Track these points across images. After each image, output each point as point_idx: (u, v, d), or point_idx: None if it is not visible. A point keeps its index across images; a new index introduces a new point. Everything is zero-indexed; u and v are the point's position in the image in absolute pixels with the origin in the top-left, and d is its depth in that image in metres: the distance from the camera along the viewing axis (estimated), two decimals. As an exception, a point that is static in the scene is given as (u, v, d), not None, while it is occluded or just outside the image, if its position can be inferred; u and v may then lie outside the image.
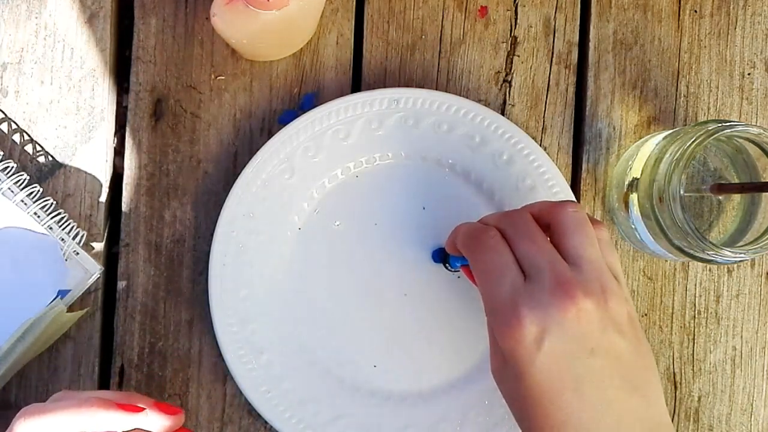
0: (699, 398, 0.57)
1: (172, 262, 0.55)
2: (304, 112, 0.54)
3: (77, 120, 0.55)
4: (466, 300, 0.55)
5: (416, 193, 0.55)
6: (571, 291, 0.43)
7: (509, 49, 0.57)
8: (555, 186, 0.55)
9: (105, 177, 0.55)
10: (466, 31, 0.57)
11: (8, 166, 0.54)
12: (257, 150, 0.54)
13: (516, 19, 0.57)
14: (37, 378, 0.54)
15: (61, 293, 0.53)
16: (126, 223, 0.55)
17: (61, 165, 0.55)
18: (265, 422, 0.54)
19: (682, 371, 0.57)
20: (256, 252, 0.54)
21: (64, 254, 0.53)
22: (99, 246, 0.55)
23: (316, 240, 0.55)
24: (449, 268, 0.55)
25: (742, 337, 0.57)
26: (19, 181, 0.53)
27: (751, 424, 0.57)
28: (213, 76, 0.56)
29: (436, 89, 0.56)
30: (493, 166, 0.55)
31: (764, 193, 0.51)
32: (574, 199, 0.55)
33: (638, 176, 0.52)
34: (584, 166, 0.57)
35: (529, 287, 0.43)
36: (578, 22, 0.58)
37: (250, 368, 0.53)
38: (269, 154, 0.54)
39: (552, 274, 0.43)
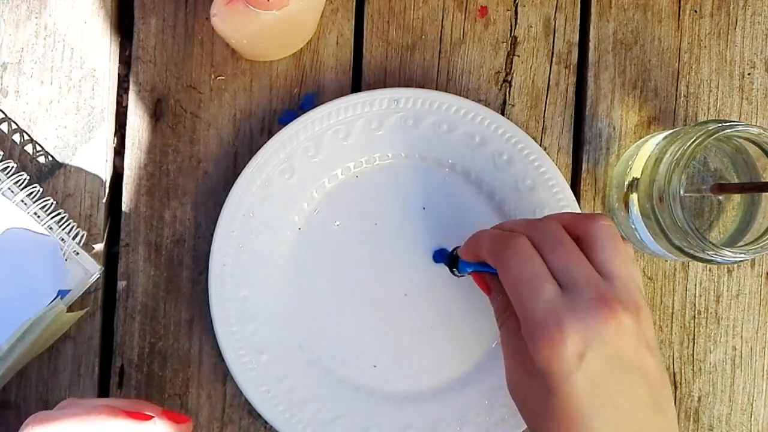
0: (699, 398, 0.57)
1: (172, 262, 0.55)
2: (304, 112, 0.54)
3: (77, 120, 0.55)
4: (466, 300, 0.55)
5: (416, 193, 0.55)
6: (611, 304, 0.41)
7: (509, 49, 0.57)
8: (555, 186, 0.55)
9: (105, 177, 0.55)
10: (466, 31, 0.57)
11: (8, 166, 0.54)
12: (257, 150, 0.54)
13: (516, 19, 0.57)
14: (37, 378, 0.54)
15: (61, 293, 0.53)
16: (126, 223, 0.55)
17: (61, 165, 0.55)
18: (265, 422, 0.54)
19: (682, 371, 0.57)
20: (256, 252, 0.54)
21: (64, 254, 0.53)
22: (99, 246, 0.55)
23: (316, 240, 0.55)
24: (456, 273, 0.54)
25: (742, 337, 0.57)
26: (19, 181, 0.53)
27: (751, 424, 0.57)
28: (213, 76, 0.56)
29: (436, 89, 0.56)
30: (493, 166, 0.55)
31: (764, 193, 0.51)
32: (574, 199, 0.55)
33: (638, 176, 0.52)
34: (584, 166, 0.57)
35: (568, 299, 0.42)
36: (578, 22, 0.58)
37: (250, 368, 0.53)
38: (269, 154, 0.54)
39: (590, 287, 0.42)
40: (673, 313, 0.57)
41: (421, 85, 0.57)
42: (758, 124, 0.56)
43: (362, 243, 0.55)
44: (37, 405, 0.54)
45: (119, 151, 0.56)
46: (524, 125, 0.57)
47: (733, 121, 0.49)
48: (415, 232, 0.55)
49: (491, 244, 0.46)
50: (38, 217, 0.53)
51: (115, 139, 0.56)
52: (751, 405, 0.57)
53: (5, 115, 0.55)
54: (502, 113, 0.57)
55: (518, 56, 0.57)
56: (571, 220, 0.46)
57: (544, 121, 0.57)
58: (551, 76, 0.57)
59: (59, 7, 0.55)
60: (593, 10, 0.58)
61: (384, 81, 0.57)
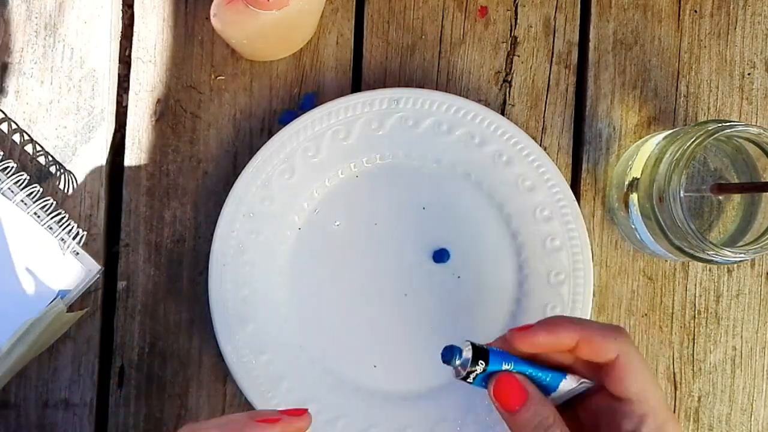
0: (699, 398, 0.57)
1: (172, 262, 0.55)
2: (304, 112, 0.54)
3: (77, 120, 0.55)
4: (466, 300, 0.55)
5: (416, 193, 0.55)
6: None
7: (509, 49, 0.57)
8: (555, 186, 0.55)
9: (105, 177, 0.55)
10: (466, 31, 0.57)
11: (8, 166, 0.54)
12: (257, 150, 0.54)
13: (516, 19, 0.57)
14: (37, 378, 0.54)
15: (61, 293, 0.53)
16: (126, 223, 0.55)
17: (61, 165, 0.55)
18: (265, 422, 0.54)
19: (682, 371, 0.57)
20: (256, 252, 0.54)
21: (64, 254, 0.53)
22: (99, 246, 0.55)
23: (316, 240, 0.55)
24: (465, 375, 0.43)
25: (742, 337, 0.57)
26: (19, 181, 0.53)
27: (751, 424, 0.57)
28: (213, 76, 0.56)
29: (436, 89, 0.56)
30: (493, 166, 0.55)
31: (764, 193, 0.51)
32: (574, 199, 0.55)
33: (638, 176, 0.52)
34: (584, 166, 0.57)
35: None
36: (578, 22, 0.58)
37: (250, 368, 0.53)
38: (269, 154, 0.54)
39: None
40: (673, 313, 0.57)
41: (421, 85, 0.57)
42: (758, 124, 0.56)
43: (362, 243, 0.55)
44: (37, 405, 0.54)
45: (119, 151, 0.56)
46: (524, 125, 0.57)
47: (733, 121, 0.49)
48: (415, 232, 0.55)
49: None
50: (38, 217, 0.53)
51: (116, 139, 0.56)
52: (751, 405, 0.57)
53: (5, 115, 0.55)
54: (502, 113, 0.57)
55: (518, 56, 0.57)
56: (586, 336, 0.42)
57: (544, 121, 0.57)
58: (551, 76, 0.57)
59: (59, 7, 0.55)
60: (593, 10, 0.58)
61: (384, 81, 0.57)
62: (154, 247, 0.55)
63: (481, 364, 0.41)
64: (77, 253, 0.54)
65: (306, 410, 0.43)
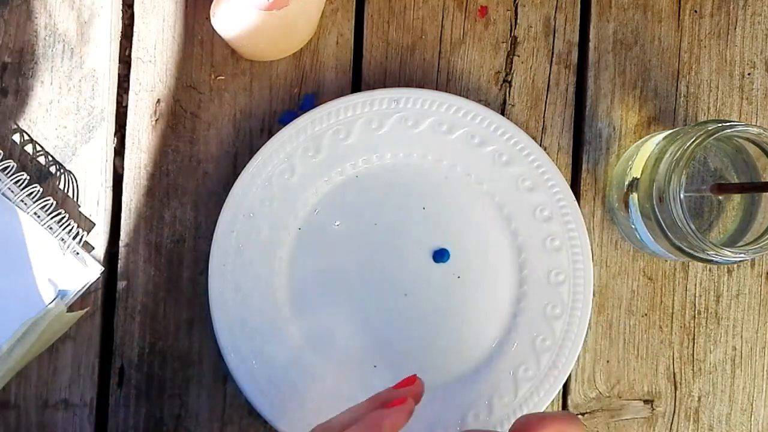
0: (699, 398, 0.57)
1: (172, 262, 0.55)
2: (304, 112, 0.54)
3: (77, 120, 0.55)
4: (466, 300, 0.55)
5: (416, 193, 0.55)
6: None
7: (509, 49, 0.57)
8: (555, 186, 0.55)
9: (105, 177, 0.55)
10: (466, 31, 0.57)
11: (8, 166, 0.54)
12: (257, 150, 0.54)
13: (516, 19, 0.57)
14: (37, 378, 0.54)
15: (61, 293, 0.53)
16: (126, 223, 0.55)
17: (61, 165, 0.55)
18: (265, 422, 0.54)
19: (682, 371, 0.57)
20: (256, 252, 0.54)
21: (64, 254, 0.53)
22: (99, 246, 0.55)
23: (316, 240, 0.55)
24: None
25: (742, 337, 0.57)
26: (19, 181, 0.53)
27: (751, 424, 0.57)
28: (213, 76, 0.56)
29: (436, 89, 0.56)
30: (493, 166, 0.55)
31: (764, 193, 0.51)
32: (574, 199, 0.55)
33: (638, 176, 0.52)
34: (584, 166, 0.57)
35: None
36: (578, 22, 0.58)
37: (250, 368, 0.53)
38: (269, 154, 0.54)
39: None
40: (673, 313, 0.57)
41: (421, 85, 0.57)
42: (758, 124, 0.56)
43: (362, 243, 0.55)
44: (37, 405, 0.54)
45: (119, 151, 0.56)
46: (524, 125, 0.57)
47: (733, 121, 0.49)
48: (415, 232, 0.55)
49: None
50: (38, 217, 0.53)
51: (115, 139, 0.56)
52: (751, 405, 0.57)
53: (5, 115, 0.55)
54: (502, 113, 0.57)
55: (518, 56, 0.57)
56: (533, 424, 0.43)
57: (544, 121, 0.57)
58: (551, 76, 0.57)
59: (59, 7, 0.55)
60: (593, 10, 0.58)
61: (384, 81, 0.57)
62: (154, 247, 0.55)
63: None
64: (77, 253, 0.54)
65: (414, 376, 0.46)
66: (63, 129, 0.55)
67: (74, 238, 0.54)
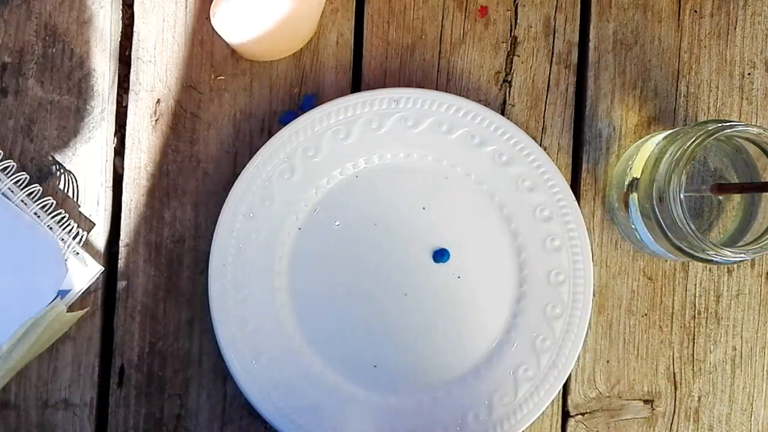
0: (699, 398, 0.57)
1: (172, 262, 0.55)
2: (304, 113, 0.54)
3: (77, 120, 0.55)
4: (466, 300, 0.55)
5: (416, 193, 0.55)
6: None
7: (509, 49, 0.57)
8: (555, 186, 0.55)
9: (105, 177, 0.55)
10: (466, 31, 0.57)
11: (8, 166, 0.54)
12: (257, 150, 0.54)
13: (516, 19, 0.57)
14: (37, 378, 0.54)
15: (61, 293, 0.53)
16: (126, 223, 0.55)
17: (61, 165, 0.55)
18: (265, 422, 0.54)
19: (682, 371, 0.57)
20: (256, 252, 0.54)
21: (64, 254, 0.53)
22: (99, 246, 0.55)
23: (316, 240, 0.55)
24: None
25: (742, 337, 0.57)
26: (19, 181, 0.53)
27: (751, 424, 0.57)
28: (213, 76, 0.56)
29: (436, 89, 0.56)
30: (493, 166, 0.55)
31: (764, 193, 0.51)
32: (574, 199, 0.55)
33: (638, 176, 0.52)
34: (584, 166, 0.57)
35: None
36: (578, 22, 0.58)
37: (250, 368, 0.53)
38: (269, 154, 0.54)
39: None
40: (673, 313, 0.57)
41: (421, 85, 0.57)
42: (758, 124, 0.56)
43: (362, 243, 0.55)
44: (37, 405, 0.54)
45: (119, 151, 0.56)
46: (524, 125, 0.57)
47: (733, 121, 0.49)
48: (415, 232, 0.55)
49: None
50: (38, 217, 0.53)
51: (115, 139, 0.56)
52: (751, 405, 0.57)
53: (5, 115, 0.55)
54: (502, 113, 0.57)
55: (518, 56, 0.57)
56: None
57: (544, 121, 0.57)
58: (551, 76, 0.57)
59: (59, 7, 0.55)
60: (593, 10, 0.58)
61: (384, 81, 0.57)
62: (154, 247, 0.55)
63: None
64: (77, 253, 0.54)
65: None
66: (63, 129, 0.55)
67: (74, 238, 0.54)
